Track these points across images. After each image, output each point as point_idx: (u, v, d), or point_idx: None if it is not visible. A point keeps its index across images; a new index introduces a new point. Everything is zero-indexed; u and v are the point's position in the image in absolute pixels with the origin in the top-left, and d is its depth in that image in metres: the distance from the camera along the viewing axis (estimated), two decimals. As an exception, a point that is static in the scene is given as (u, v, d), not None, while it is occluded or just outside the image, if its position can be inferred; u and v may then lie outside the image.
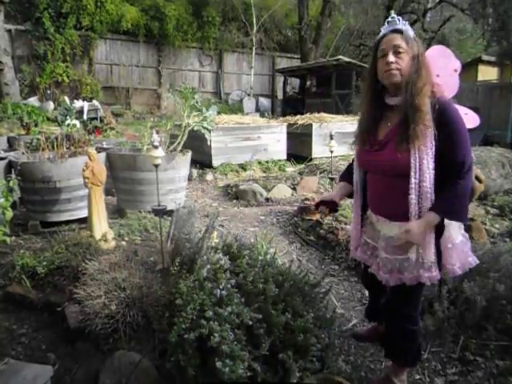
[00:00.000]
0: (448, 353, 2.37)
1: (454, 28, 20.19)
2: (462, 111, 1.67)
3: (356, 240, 2.04)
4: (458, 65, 2.01)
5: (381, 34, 1.73)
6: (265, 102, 17.54)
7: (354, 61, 13.70)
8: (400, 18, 1.68)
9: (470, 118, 1.90)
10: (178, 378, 1.86)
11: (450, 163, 1.61)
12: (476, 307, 2.41)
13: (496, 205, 4.58)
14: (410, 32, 1.66)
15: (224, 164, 7.40)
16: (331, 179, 5.96)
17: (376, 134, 1.77)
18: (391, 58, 1.63)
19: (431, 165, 1.59)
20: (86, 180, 3.21)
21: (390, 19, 1.71)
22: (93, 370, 2.11)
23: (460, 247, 1.77)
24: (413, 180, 1.61)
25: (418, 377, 2.21)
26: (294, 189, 5.99)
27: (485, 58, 16.06)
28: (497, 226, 3.97)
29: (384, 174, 1.74)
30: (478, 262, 1.82)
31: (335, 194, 2.09)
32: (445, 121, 1.59)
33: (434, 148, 1.59)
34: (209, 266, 2.13)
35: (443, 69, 1.86)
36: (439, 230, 1.69)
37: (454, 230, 1.76)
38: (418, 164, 1.59)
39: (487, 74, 15.48)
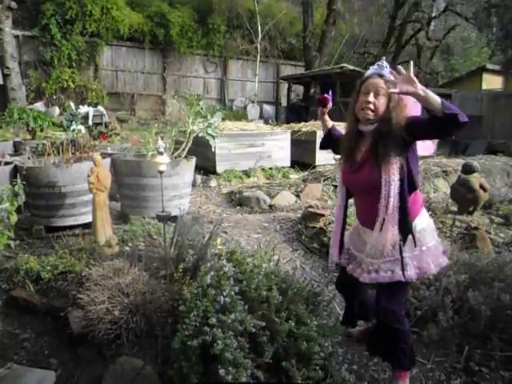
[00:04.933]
0: (452, 363, 2.35)
1: (459, 37, 20.25)
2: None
3: (337, 247, 2.26)
4: None
5: (368, 73, 2.01)
6: (269, 109, 17.58)
7: (358, 68, 13.71)
8: (387, 65, 1.95)
9: (427, 146, 2.13)
10: (180, 385, 1.85)
11: None
12: (480, 317, 2.40)
13: (501, 214, 4.55)
14: (391, 77, 1.87)
15: (228, 170, 7.42)
16: (335, 187, 5.95)
17: (355, 156, 2.06)
18: (371, 98, 1.91)
19: (396, 176, 1.86)
20: (91, 185, 3.23)
21: (379, 63, 1.98)
22: (95, 375, 2.11)
23: (433, 250, 2.02)
24: (383, 191, 1.88)
25: (421, 387, 2.19)
26: (298, 196, 5.99)
27: (489, 66, 16.09)
28: (501, 235, 3.95)
29: (364, 190, 2.03)
30: (448, 262, 2.10)
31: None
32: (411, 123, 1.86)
33: (398, 163, 1.86)
34: (212, 273, 2.12)
35: (410, 98, 2.06)
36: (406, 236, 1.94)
37: (428, 235, 2.02)
38: (387, 178, 1.87)
39: (492, 82, 15.50)
